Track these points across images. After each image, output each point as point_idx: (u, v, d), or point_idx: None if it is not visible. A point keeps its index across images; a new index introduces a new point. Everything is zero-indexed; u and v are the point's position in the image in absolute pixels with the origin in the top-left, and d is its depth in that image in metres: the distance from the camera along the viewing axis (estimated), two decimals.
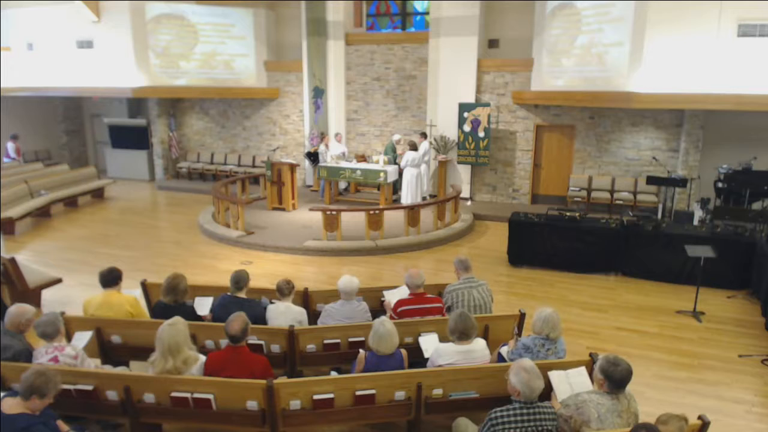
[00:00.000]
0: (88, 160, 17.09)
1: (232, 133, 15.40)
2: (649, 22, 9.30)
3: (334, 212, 9.31)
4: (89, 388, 3.76)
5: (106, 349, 4.74)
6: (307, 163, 13.66)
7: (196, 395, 3.67)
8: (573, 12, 10.64)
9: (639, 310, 6.98)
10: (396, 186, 12.07)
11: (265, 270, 8.25)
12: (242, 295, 4.80)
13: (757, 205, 9.41)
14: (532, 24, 11.74)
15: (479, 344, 4.07)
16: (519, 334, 4.37)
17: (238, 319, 3.80)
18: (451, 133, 12.25)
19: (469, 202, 12.38)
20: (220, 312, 4.69)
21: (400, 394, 3.85)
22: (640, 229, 8.00)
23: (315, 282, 7.73)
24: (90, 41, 13.73)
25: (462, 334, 3.96)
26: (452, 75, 12.24)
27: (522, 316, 4.86)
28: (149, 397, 3.77)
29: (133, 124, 15.78)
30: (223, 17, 13.92)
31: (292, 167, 11.49)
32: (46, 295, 6.95)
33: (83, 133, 17.27)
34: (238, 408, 3.71)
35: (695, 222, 8.66)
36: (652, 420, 3.01)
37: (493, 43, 12.64)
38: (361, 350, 4.11)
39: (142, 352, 4.25)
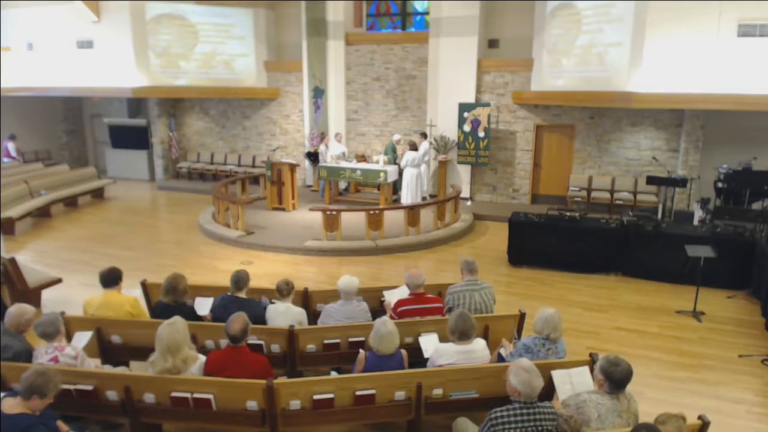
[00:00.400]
0: (88, 160, 17.08)
1: (232, 133, 15.40)
2: (649, 22, 9.30)
3: (334, 212, 9.31)
4: (89, 388, 3.76)
5: (106, 349, 4.74)
6: (307, 163, 13.66)
7: (196, 395, 3.67)
8: (573, 12, 10.65)
9: (639, 310, 6.97)
10: (396, 186, 12.07)
11: (265, 270, 8.25)
12: (242, 295, 4.80)
13: (757, 205, 9.41)
14: (532, 24, 11.74)
15: (479, 344, 4.07)
16: (518, 338, 4.37)
17: (238, 320, 3.80)
18: (451, 133, 12.25)
19: (469, 202, 12.38)
20: (220, 312, 4.69)
21: (400, 394, 3.85)
22: (640, 229, 8.00)
23: (315, 282, 7.73)
24: (90, 41, 13.73)
25: (462, 334, 3.96)
26: (452, 75, 12.24)
27: (522, 316, 4.86)
28: (149, 397, 3.76)
29: (133, 124, 15.79)
30: (223, 17, 13.92)
31: (292, 167, 11.49)
32: (46, 295, 6.95)
33: (83, 133, 17.27)
34: (238, 408, 3.70)
35: (695, 222, 8.66)
36: (651, 420, 3.01)
37: (493, 43, 12.64)
38: (361, 350, 4.11)
39: (142, 352, 4.25)
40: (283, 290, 4.82)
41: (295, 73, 14.01)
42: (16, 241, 9.92)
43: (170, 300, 4.65)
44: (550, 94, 11.38)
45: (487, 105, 11.74)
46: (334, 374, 4.16)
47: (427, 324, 4.64)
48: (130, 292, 5.04)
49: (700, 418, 3.30)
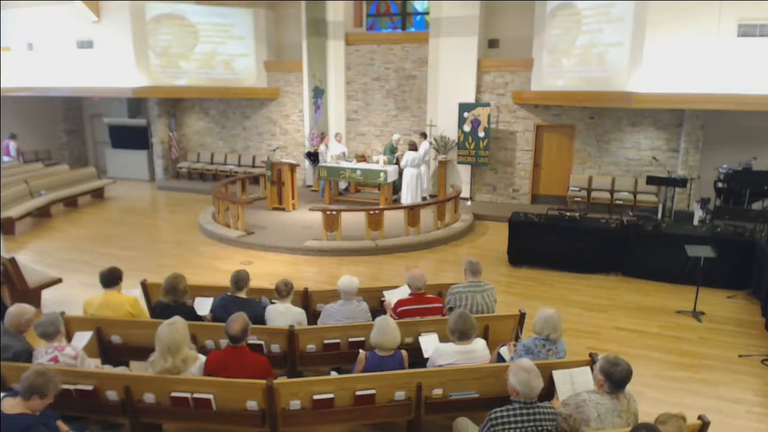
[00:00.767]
0: (88, 160, 17.08)
1: (232, 133, 15.40)
2: (649, 22, 9.31)
3: (334, 212, 9.31)
4: (89, 388, 3.76)
5: (106, 349, 4.74)
6: (307, 163, 13.66)
7: (196, 395, 3.67)
8: (573, 12, 10.65)
9: (639, 310, 6.97)
10: (396, 186, 12.07)
11: (265, 270, 8.25)
12: (242, 295, 4.80)
13: (757, 205, 9.41)
14: (532, 24, 11.74)
15: (479, 344, 4.07)
16: (518, 339, 4.36)
17: (238, 320, 3.80)
18: (451, 133, 12.25)
19: (469, 202, 12.38)
20: (220, 312, 4.69)
21: (400, 394, 3.85)
22: (640, 229, 8.00)
23: (315, 282, 7.72)
24: (90, 41, 13.74)
25: (462, 334, 3.96)
26: (452, 75, 12.24)
27: (522, 316, 4.85)
28: (149, 397, 3.76)
29: (133, 124, 15.79)
30: (223, 17, 13.92)
31: (292, 167, 11.50)
32: (46, 295, 6.95)
33: (83, 133, 17.27)
34: (238, 408, 3.70)
35: (695, 222, 8.66)
36: (651, 420, 3.01)
37: (493, 43, 12.64)
38: (361, 350, 4.10)
39: (142, 352, 4.25)
40: (282, 291, 4.81)
41: (295, 73, 14.01)
42: (16, 241, 9.93)
43: (170, 300, 4.65)
44: (550, 94, 11.38)
45: (487, 105, 11.74)
46: (334, 374, 4.16)
47: (427, 324, 4.64)
48: (130, 292, 5.03)
49: (700, 418, 3.30)
